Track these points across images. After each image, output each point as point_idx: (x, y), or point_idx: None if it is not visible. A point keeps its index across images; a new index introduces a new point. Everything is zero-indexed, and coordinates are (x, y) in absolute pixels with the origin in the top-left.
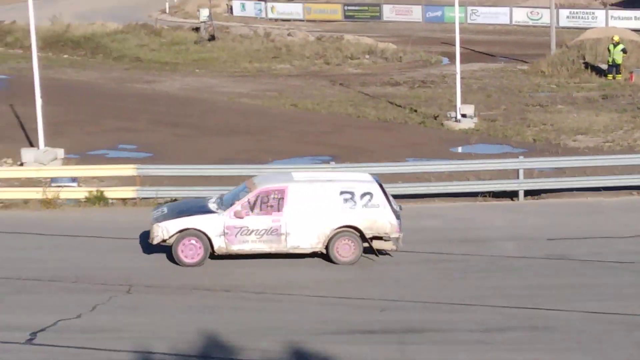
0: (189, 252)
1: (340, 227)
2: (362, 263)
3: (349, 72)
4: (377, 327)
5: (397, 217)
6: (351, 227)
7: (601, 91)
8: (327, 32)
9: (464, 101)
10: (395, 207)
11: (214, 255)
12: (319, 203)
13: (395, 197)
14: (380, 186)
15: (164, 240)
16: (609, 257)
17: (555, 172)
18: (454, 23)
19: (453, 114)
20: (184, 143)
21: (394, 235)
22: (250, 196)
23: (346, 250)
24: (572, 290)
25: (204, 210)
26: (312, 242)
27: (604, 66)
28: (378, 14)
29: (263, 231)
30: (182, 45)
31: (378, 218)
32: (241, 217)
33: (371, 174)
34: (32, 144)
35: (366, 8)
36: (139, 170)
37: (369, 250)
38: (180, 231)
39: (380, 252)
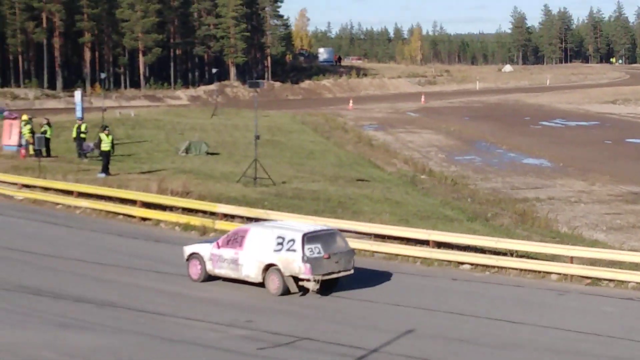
0: (194, 270)
1: (269, 264)
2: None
3: None
4: None
5: (309, 262)
6: (275, 265)
7: None
8: None
9: None
10: (315, 254)
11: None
12: (263, 244)
13: None
14: (308, 235)
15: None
16: None
17: None
18: None
19: None
20: None
21: (302, 276)
22: (230, 233)
23: (273, 283)
24: None
25: (209, 241)
26: (255, 273)
27: None
28: None
29: (230, 260)
30: None
31: (292, 261)
32: (219, 248)
33: (325, 225)
34: None
35: None
36: None
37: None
38: (190, 254)
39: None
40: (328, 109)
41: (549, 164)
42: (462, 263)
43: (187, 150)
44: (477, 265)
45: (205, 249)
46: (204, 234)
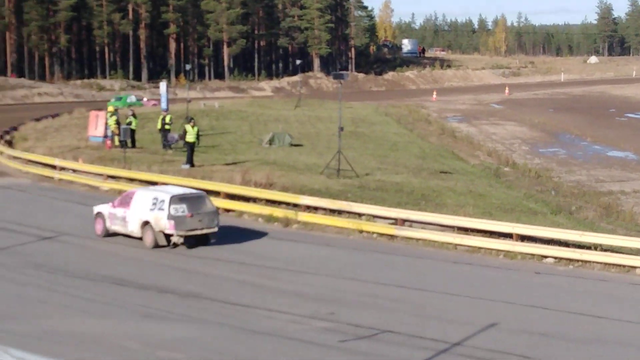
0: (98, 226)
1: (146, 221)
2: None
3: None
4: None
5: (173, 219)
6: (149, 222)
7: None
8: None
9: None
10: (179, 213)
11: None
12: (143, 204)
13: None
14: (175, 197)
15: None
16: None
17: None
18: None
19: None
20: None
21: (168, 232)
22: (122, 195)
23: (148, 237)
24: None
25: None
26: (137, 229)
27: None
28: None
29: (120, 218)
30: None
31: (161, 218)
32: (114, 207)
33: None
34: None
35: None
36: None
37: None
38: (96, 213)
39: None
40: (411, 100)
41: (634, 157)
42: (546, 256)
43: (270, 142)
44: (560, 258)
45: (105, 209)
46: (286, 225)
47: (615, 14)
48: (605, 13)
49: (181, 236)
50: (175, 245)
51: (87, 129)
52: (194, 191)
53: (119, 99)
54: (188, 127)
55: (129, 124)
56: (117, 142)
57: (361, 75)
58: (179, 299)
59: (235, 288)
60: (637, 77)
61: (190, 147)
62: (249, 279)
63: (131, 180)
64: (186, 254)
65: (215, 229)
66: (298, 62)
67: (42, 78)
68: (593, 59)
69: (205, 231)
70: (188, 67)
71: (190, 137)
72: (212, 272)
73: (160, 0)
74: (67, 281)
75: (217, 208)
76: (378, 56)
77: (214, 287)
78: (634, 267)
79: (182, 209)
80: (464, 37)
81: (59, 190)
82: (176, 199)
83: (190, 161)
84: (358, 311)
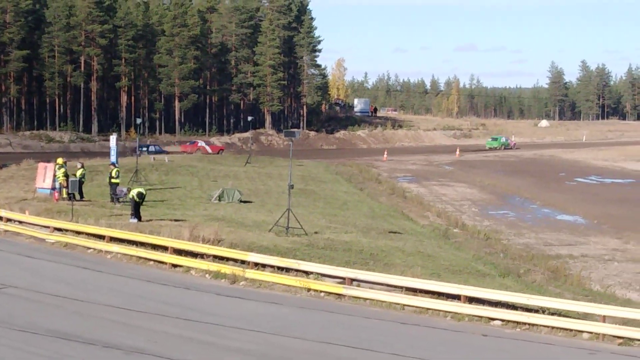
0: None
1: None
2: None
3: None
4: None
5: None
6: None
7: None
8: None
9: None
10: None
11: None
12: None
13: None
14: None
15: None
16: None
17: None
18: None
19: None
20: None
21: None
22: None
23: None
24: None
25: None
26: None
27: None
28: None
29: None
30: None
31: None
32: None
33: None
34: None
35: None
36: None
37: None
38: None
39: None
40: (362, 159)
41: (583, 221)
42: (493, 319)
43: (220, 198)
44: (508, 321)
45: None
46: (234, 282)
47: (567, 78)
48: (557, 77)
49: None
50: None
51: (35, 180)
52: None
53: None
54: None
55: (82, 176)
56: (64, 195)
57: (312, 133)
58: (124, 354)
59: (181, 344)
60: (587, 142)
61: (135, 202)
62: (194, 336)
63: (78, 233)
64: (132, 309)
65: None
66: (249, 118)
67: None
68: (544, 123)
69: None
70: (139, 120)
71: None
72: (157, 328)
73: (112, 53)
74: (11, 334)
75: None
76: (330, 114)
77: (159, 343)
78: (581, 332)
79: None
80: (416, 97)
81: (4, 242)
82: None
83: (137, 215)
84: None
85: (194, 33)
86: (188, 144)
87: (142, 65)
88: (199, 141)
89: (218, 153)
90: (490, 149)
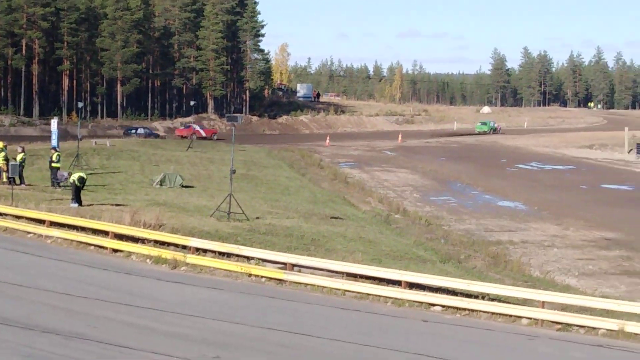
0: None
1: None
2: None
3: None
4: None
5: None
6: None
7: None
8: None
9: None
10: None
11: None
12: None
13: None
14: None
15: None
16: None
17: None
18: None
19: None
20: None
21: None
22: None
23: None
24: None
25: None
26: None
27: None
28: None
29: None
30: None
31: None
32: None
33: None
34: None
35: None
36: None
37: None
38: None
39: None
40: (305, 144)
41: (523, 207)
42: (434, 305)
43: (161, 183)
44: (448, 307)
45: None
46: (175, 267)
47: (509, 65)
48: (499, 64)
49: None
50: None
51: None
52: None
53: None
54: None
55: (23, 160)
56: (4, 179)
57: (255, 118)
58: (63, 339)
59: (121, 329)
60: (528, 128)
61: (75, 186)
62: (134, 321)
63: (18, 217)
64: (72, 294)
65: None
66: (192, 103)
67: None
68: (486, 109)
69: None
70: (80, 104)
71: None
72: (97, 313)
73: (54, 37)
74: None
75: None
76: (273, 99)
77: (99, 328)
78: (520, 317)
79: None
80: (359, 83)
81: None
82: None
83: (78, 200)
84: (244, 355)
85: (136, 17)
86: (183, 127)
87: (84, 49)
88: (193, 125)
89: (211, 137)
90: (480, 133)
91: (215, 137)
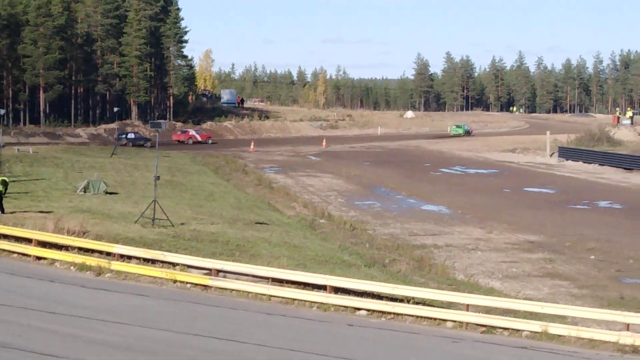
0: None
1: None
2: None
3: None
4: None
5: None
6: None
7: None
8: None
9: None
10: None
11: None
12: None
13: None
14: None
15: None
16: None
17: None
18: None
19: None
20: None
21: None
22: None
23: None
24: None
25: None
26: None
27: None
28: None
29: None
30: None
31: None
32: None
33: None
34: None
35: None
36: None
37: None
38: None
39: None
40: (229, 150)
41: (447, 211)
42: (359, 309)
43: (85, 189)
44: (373, 311)
45: None
46: (99, 274)
47: (432, 70)
48: (422, 69)
49: None
50: None
51: None
52: None
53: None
54: None
55: None
56: None
57: (179, 125)
58: None
59: (45, 337)
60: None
61: None
62: (59, 329)
63: None
64: None
65: None
66: (116, 109)
67: None
68: (409, 114)
69: None
70: (2, 111)
71: None
72: (22, 321)
73: None
74: None
75: None
76: (197, 105)
77: (23, 336)
78: (445, 320)
79: None
80: (283, 88)
81: None
82: None
83: (0, 207)
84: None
85: (58, 23)
86: (180, 132)
87: (6, 56)
88: (190, 130)
89: (206, 141)
90: (454, 135)
91: (210, 141)
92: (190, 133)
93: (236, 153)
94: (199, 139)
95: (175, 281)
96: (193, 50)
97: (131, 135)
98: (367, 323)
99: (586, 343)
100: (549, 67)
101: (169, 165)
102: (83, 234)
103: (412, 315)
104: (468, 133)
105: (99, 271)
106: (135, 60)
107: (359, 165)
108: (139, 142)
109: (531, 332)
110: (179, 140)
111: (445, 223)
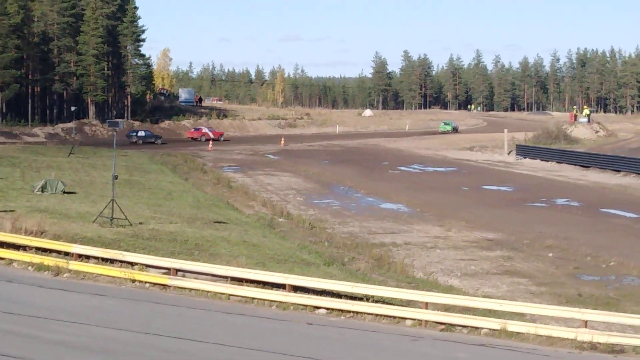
0: None
1: None
2: None
3: None
4: None
5: None
6: None
7: None
8: None
9: None
10: None
11: None
12: None
13: None
14: None
15: None
16: None
17: None
18: None
19: None
20: None
21: None
22: None
23: None
24: None
25: None
26: None
27: None
28: None
29: None
30: None
31: None
32: None
33: None
34: None
35: None
36: None
37: None
38: None
39: None
40: (188, 149)
41: (406, 209)
42: (318, 307)
43: (42, 189)
44: (333, 309)
45: None
46: (57, 274)
47: (390, 68)
48: (380, 67)
49: None
50: None
51: None
52: None
53: (447, 124)
54: None
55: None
56: None
57: (137, 123)
58: None
59: (3, 338)
60: (410, 131)
61: None
62: (16, 329)
63: None
64: None
65: None
66: (73, 108)
67: None
68: (367, 112)
69: None
70: None
71: None
72: None
73: None
74: None
75: None
76: (155, 104)
77: None
78: (404, 318)
79: None
80: (241, 87)
81: None
82: None
83: None
84: None
85: (14, 21)
86: (193, 130)
87: None
88: (203, 127)
89: (218, 138)
90: (443, 132)
91: (222, 139)
92: (204, 130)
93: (194, 152)
94: (212, 136)
95: (134, 281)
96: (151, 49)
97: (141, 133)
98: (326, 322)
99: (544, 340)
100: (507, 65)
101: (127, 164)
102: (41, 233)
103: (372, 314)
104: (455, 130)
105: (57, 271)
106: (93, 59)
107: (317, 163)
108: (150, 140)
109: (490, 329)
110: (192, 138)
111: (404, 221)
